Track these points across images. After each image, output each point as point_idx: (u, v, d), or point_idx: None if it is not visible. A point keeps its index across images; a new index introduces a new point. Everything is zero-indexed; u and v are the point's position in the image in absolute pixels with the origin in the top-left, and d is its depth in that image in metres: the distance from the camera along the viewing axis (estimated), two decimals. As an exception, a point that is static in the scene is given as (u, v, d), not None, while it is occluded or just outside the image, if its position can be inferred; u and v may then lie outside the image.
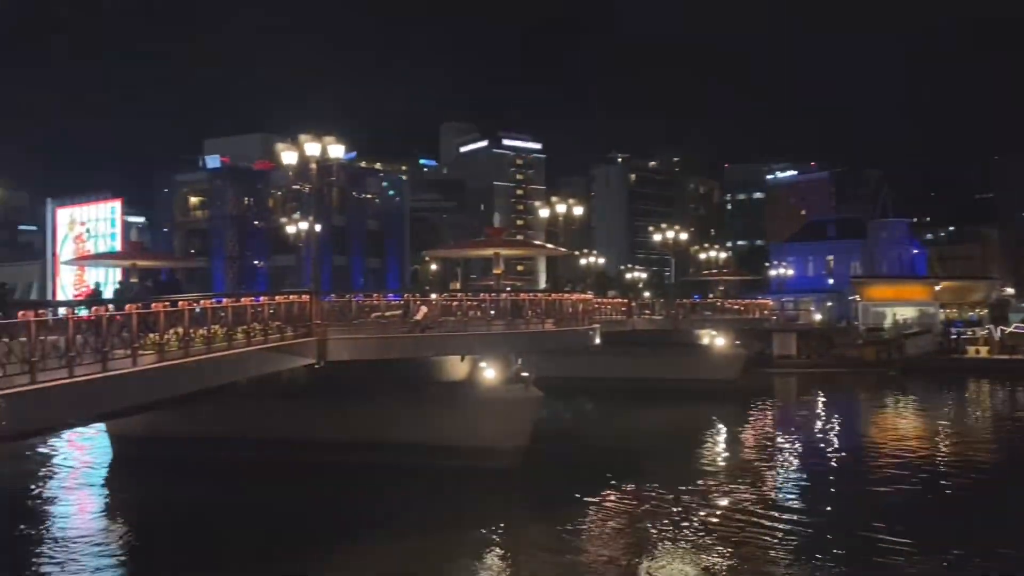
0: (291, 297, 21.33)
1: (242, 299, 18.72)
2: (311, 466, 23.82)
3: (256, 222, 74.09)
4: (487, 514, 20.98)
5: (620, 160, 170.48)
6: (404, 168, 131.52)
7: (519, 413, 26.02)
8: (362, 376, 23.52)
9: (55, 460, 29.43)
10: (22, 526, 20.71)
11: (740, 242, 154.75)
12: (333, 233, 77.47)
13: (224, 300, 17.87)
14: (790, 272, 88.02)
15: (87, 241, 66.09)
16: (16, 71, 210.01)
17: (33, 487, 25.22)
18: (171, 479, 23.98)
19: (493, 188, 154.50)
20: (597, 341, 29.32)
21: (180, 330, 15.98)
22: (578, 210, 38.52)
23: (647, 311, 46.85)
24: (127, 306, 14.36)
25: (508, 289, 31.79)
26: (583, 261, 72.99)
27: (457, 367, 26.72)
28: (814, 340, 66.90)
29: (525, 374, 27.11)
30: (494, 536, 19.70)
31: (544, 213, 38.45)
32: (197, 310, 16.83)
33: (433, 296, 27.08)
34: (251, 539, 18.88)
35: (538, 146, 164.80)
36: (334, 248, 77.69)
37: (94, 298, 23.21)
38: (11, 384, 11.40)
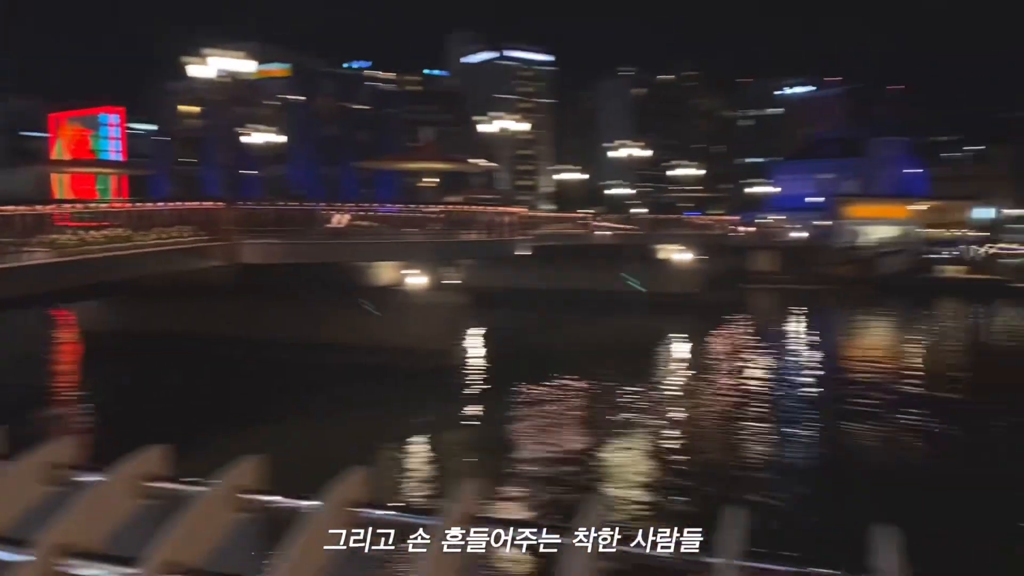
0: (204, 204, 22.97)
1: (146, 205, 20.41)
2: (257, 363, 25.60)
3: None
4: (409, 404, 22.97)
5: (626, 74, 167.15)
6: (412, 79, 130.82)
7: (443, 316, 27.85)
8: (292, 280, 25.30)
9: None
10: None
11: (749, 159, 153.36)
12: (324, 143, 79.07)
13: (128, 205, 19.55)
14: (782, 190, 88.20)
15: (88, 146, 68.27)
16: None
17: None
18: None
19: (492, 100, 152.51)
20: (522, 252, 30.93)
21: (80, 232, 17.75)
22: (522, 126, 39.56)
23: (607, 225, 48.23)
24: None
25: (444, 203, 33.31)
26: (556, 177, 74.01)
27: (389, 274, 28.47)
28: (794, 257, 68.00)
29: (453, 281, 28.88)
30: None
31: (484, 128, 39.73)
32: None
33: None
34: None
35: (549, 58, 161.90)
36: (324, 159, 79.25)
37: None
38: None
